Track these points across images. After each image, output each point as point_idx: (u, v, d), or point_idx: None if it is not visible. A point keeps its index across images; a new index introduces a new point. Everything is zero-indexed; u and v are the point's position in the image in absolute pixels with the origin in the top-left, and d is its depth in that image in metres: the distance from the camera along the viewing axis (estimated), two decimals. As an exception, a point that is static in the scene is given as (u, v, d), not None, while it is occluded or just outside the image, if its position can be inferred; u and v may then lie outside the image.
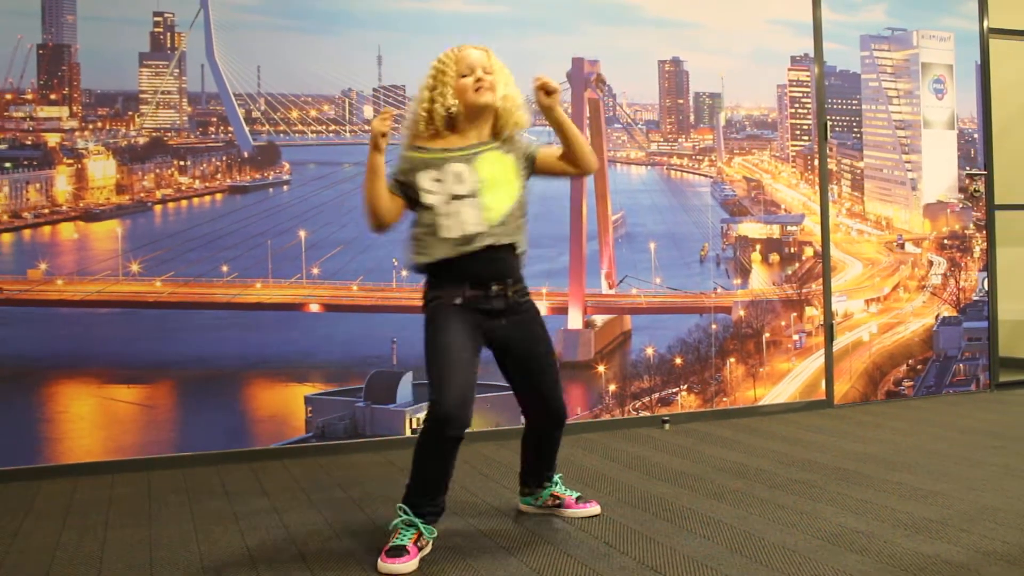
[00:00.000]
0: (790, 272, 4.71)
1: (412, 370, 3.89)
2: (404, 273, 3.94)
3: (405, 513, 2.35)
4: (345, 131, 4.14)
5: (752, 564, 2.23)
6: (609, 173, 4.47)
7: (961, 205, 5.10)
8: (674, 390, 4.38)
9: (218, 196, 3.95)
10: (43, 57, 3.66)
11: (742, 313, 4.54)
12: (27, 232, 3.68)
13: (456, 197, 2.36)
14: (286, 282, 3.86)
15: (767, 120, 4.86)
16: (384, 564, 2.25)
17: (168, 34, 3.83)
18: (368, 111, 4.17)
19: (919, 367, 4.90)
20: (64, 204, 3.72)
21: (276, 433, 3.78)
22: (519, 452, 2.76)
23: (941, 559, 2.21)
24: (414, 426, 3.88)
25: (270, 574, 2.26)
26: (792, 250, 4.73)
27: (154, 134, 3.87)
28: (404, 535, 2.32)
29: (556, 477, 2.75)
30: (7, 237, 3.64)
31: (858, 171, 4.95)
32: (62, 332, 3.60)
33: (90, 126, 3.77)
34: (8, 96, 3.64)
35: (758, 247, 4.69)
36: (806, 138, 4.84)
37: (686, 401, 4.39)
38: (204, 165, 3.96)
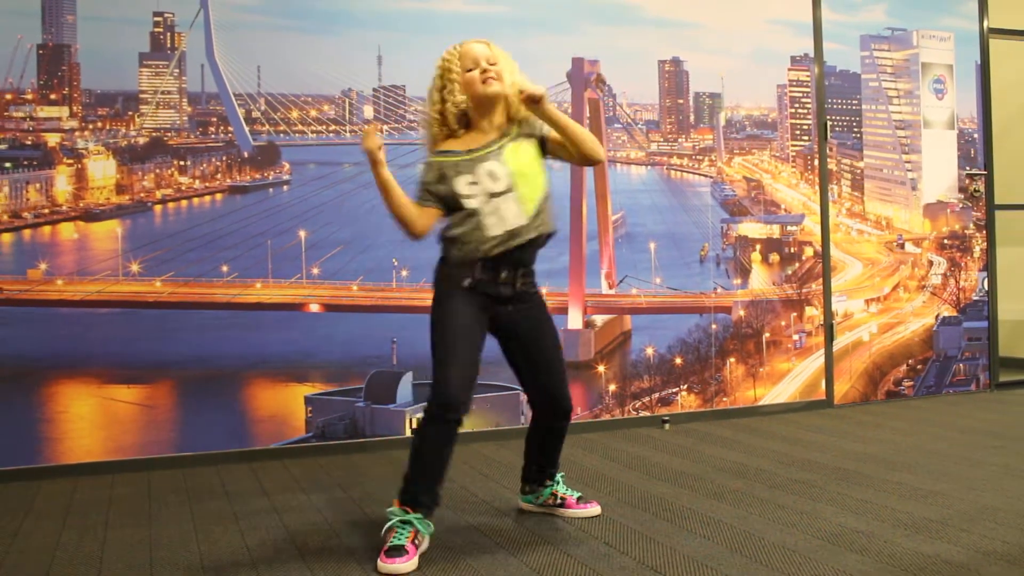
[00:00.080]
0: (790, 272, 4.71)
1: (412, 370, 3.89)
2: (404, 273, 3.94)
3: (399, 514, 2.35)
4: (345, 131, 4.14)
5: (752, 564, 2.23)
6: (609, 173, 4.47)
7: (961, 205, 5.10)
8: (674, 390, 4.38)
9: (218, 196, 3.95)
10: (43, 57, 3.66)
11: (742, 313, 4.54)
12: (27, 232, 3.68)
13: (494, 195, 2.37)
14: (286, 282, 3.86)
15: (767, 120, 4.86)
16: (385, 565, 2.25)
17: (168, 34, 3.83)
18: (368, 111, 4.17)
19: (919, 367, 4.91)
20: (64, 204, 3.72)
21: (276, 433, 3.78)
22: (521, 451, 2.76)
23: (941, 559, 2.21)
24: (414, 426, 3.88)
25: (270, 574, 2.27)
26: (792, 250, 4.73)
27: (154, 134, 3.87)
28: (401, 534, 2.32)
29: (558, 476, 2.75)
30: (7, 237, 3.64)
31: (858, 171, 4.95)
32: (62, 332, 3.60)
33: (90, 126, 3.77)
34: (8, 96, 3.64)
35: (758, 247, 4.69)
36: (806, 138, 4.84)
37: (686, 401, 4.39)
38: (204, 165, 3.96)
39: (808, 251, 4.73)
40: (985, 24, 5.09)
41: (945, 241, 5.08)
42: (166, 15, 3.82)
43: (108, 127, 3.80)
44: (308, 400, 3.84)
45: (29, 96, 3.67)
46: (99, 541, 2.59)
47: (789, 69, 4.79)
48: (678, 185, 4.72)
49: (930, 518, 2.57)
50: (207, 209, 3.91)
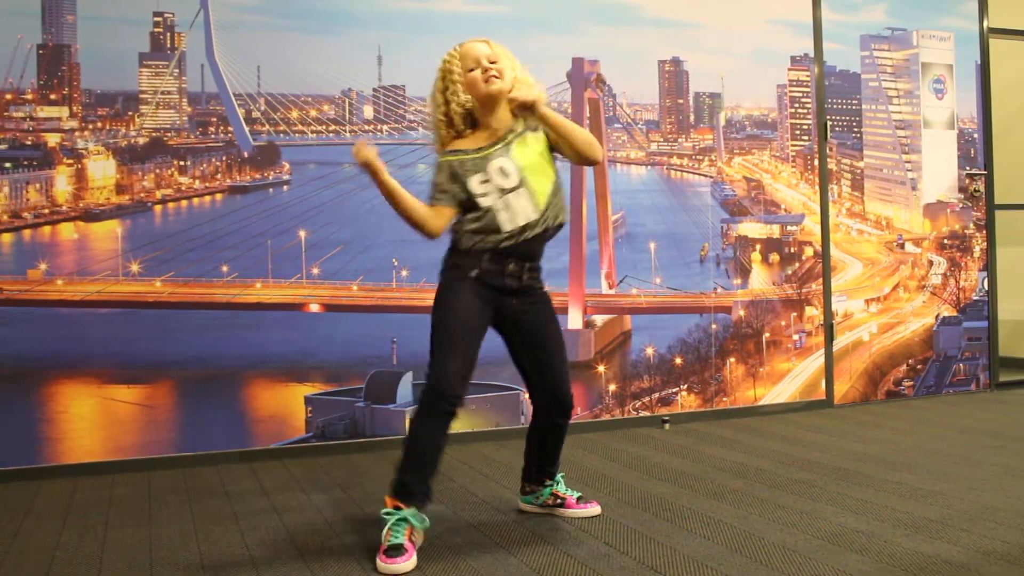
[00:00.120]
0: (790, 272, 4.71)
1: (412, 370, 3.90)
2: (404, 273, 3.94)
3: (393, 512, 2.35)
4: (345, 131, 4.14)
5: (752, 564, 2.23)
6: (609, 173, 4.47)
7: (961, 205, 5.11)
8: (674, 390, 4.38)
9: (218, 196, 3.95)
10: (43, 57, 3.66)
11: (742, 313, 4.54)
12: (27, 232, 3.68)
13: (506, 191, 2.41)
14: (286, 282, 3.86)
15: (767, 120, 4.86)
16: (386, 565, 2.25)
17: (168, 34, 3.83)
18: (368, 111, 4.17)
19: (919, 367, 4.91)
20: (64, 204, 3.72)
21: (276, 433, 3.78)
22: (521, 451, 2.76)
23: (941, 559, 2.21)
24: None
25: (270, 574, 2.27)
26: (792, 250, 4.73)
27: (154, 134, 3.87)
28: (397, 532, 2.32)
29: (559, 476, 2.75)
30: (7, 237, 3.64)
31: (858, 171, 4.95)
32: (62, 332, 3.60)
33: (90, 126, 3.77)
34: (8, 96, 3.64)
35: (758, 247, 4.69)
36: (806, 138, 4.84)
37: (686, 401, 4.39)
38: (204, 165, 3.96)
39: (808, 251, 4.73)
40: (985, 24, 5.09)
41: (945, 241, 5.08)
42: (166, 15, 3.82)
43: (108, 127, 3.80)
44: (308, 400, 3.84)
45: (29, 96, 3.67)
46: (99, 541, 2.59)
47: (789, 69, 4.79)
48: (678, 185, 4.72)
49: (930, 518, 2.57)
50: (207, 209, 3.91)
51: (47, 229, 3.70)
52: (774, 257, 4.70)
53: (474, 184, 2.40)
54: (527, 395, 2.68)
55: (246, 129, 3.97)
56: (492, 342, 2.55)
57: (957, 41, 5.09)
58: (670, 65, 4.64)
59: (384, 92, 4.15)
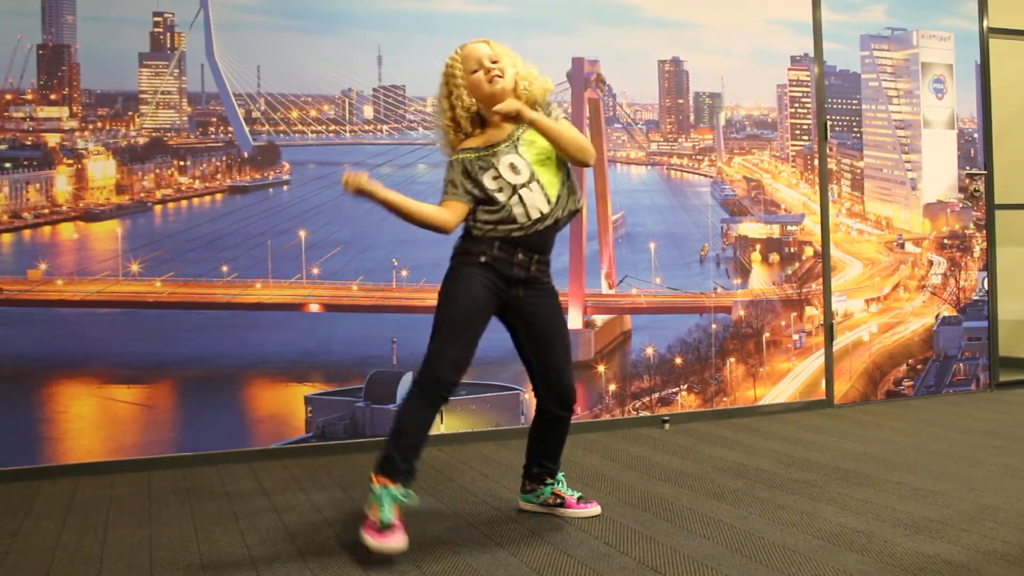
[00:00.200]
0: (790, 272, 4.71)
1: (412, 370, 3.89)
2: (404, 273, 3.94)
3: (378, 488, 2.34)
4: (345, 131, 4.14)
5: (752, 564, 2.23)
6: (609, 173, 4.47)
7: (961, 205, 5.11)
8: (674, 390, 4.38)
9: (218, 196, 3.95)
10: (43, 57, 3.66)
11: (742, 313, 4.54)
12: (27, 232, 3.68)
13: (518, 186, 2.45)
14: (286, 282, 3.86)
15: (767, 120, 4.86)
16: (378, 542, 2.27)
17: (168, 34, 3.83)
18: (368, 111, 4.17)
19: (919, 367, 4.91)
20: (64, 204, 3.72)
21: (276, 433, 3.78)
22: (521, 451, 2.77)
23: (941, 559, 2.21)
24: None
25: (270, 574, 2.27)
26: (792, 250, 4.73)
27: (154, 134, 3.87)
28: (385, 508, 2.31)
29: (559, 475, 2.75)
30: (7, 237, 3.64)
31: (858, 171, 4.95)
32: (62, 332, 3.60)
33: (90, 126, 3.77)
34: (8, 96, 3.64)
35: (758, 247, 4.69)
36: (806, 138, 4.84)
37: (686, 401, 4.39)
38: (204, 165, 3.96)
39: (808, 251, 4.73)
40: (985, 24, 5.09)
41: (945, 241, 5.08)
42: (166, 15, 3.82)
43: (108, 127, 3.80)
44: (308, 400, 3.84)
45: (29, 96, 3.67)
46: (99, 541, 2.59)
47: (789, 69, 4.79)
48: (678, 185, 4.72)
49: (930, 518, 2.57)
50: (207, 209, 3.91)
51: (47, 229, 3.70)
52: (774, 257, 4.70)
53: (488, 181, 2.44)
54: (529, 393, 2.68)
55: (246, 129, 3.97)
56: (493, 343, 2.56)
57: (957, 41, 5.09)
58: (670, 65, 4.64)
59: (384, 92, 4.15)
